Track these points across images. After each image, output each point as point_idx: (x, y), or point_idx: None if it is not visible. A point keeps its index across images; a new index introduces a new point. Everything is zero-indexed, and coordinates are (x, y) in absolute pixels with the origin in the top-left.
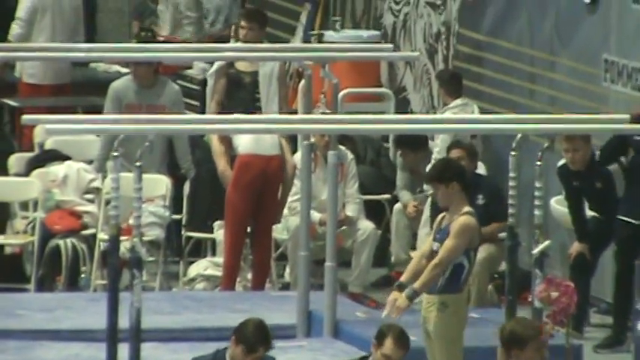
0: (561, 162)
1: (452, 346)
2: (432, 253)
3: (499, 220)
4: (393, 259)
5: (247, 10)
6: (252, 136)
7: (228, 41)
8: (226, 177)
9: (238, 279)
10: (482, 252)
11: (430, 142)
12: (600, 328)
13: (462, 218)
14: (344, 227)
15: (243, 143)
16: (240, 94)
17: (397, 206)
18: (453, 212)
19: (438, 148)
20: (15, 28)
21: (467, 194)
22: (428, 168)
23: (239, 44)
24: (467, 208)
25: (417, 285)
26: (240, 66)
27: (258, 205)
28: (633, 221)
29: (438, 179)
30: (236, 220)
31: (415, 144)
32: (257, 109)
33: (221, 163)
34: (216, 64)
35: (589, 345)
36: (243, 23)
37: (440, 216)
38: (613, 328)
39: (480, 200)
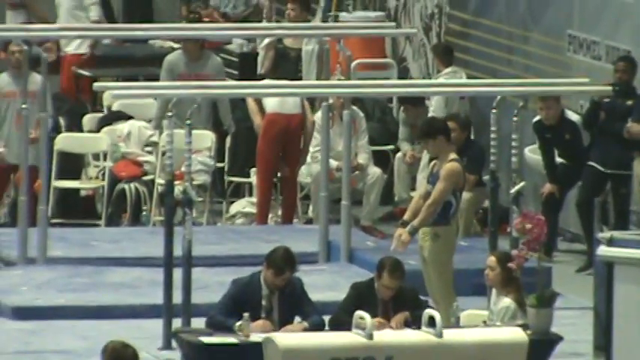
0: (536, 118)
1: (444, 269)
2: (427, 194)
3: (473, 174)
4: (396, 198)
5: None
6: (277, 98)
7: (252, 21)
8: (260, 130)
9: (270, 215)
10: (467, 195)
11: (426, 101)
12: (566, 253)
13: (449, 165)
14: (356, 172)
15: (270, 104)
16: (286, 66)
17: (398, 155)
18: (442, 160)
19: (432, 108)
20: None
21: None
22: None
23: (271, 24)
24: (452, 156)
25: (416, 222)
26: (287, 42)
27: (283, 154)
28: (600, 167)
29: (426, 134)
30: (265, 167)
31: (415, 100)
32: (299, 79)
33: (256, 119)
34: (267, 39)
35: (557, 267)
36: (289, 5)
37: (432, 163)
38: (587, 253)
39: (464, 162)
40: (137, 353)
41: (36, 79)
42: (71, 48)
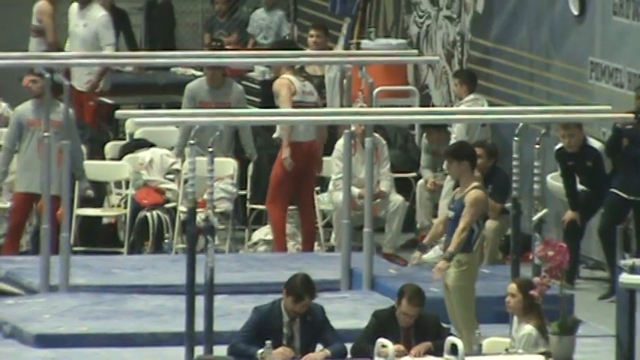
0: (558, 145)
1: (466, 296)
2: (447, 220)
3: (499, 203)
4: (418, 225)
5: (315, 23)
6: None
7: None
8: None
9: (292, 242)
10: (493, 223)
11: (449, 128)
12: (588, 281)
13: (474, 192)
14: (378, 200)
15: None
16: None
17: (420, 182)
18: (464, 186)
19: (454, 135)
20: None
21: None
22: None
23: (295, 51)
24: (475, 183)
25: (451, 248)
26: (310, 70)
27: (299, 181)
28: (623, 194)
29: (452, 155)
30: (283, 194)
31: (437, 125)
32: (323, 107)
33: (286, 152)
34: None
35: (579, 294)
36: (312, 32)
37: (454, 191)
38: (609, 280)
39: (489, 190)
40: None
41: (60, 107)
42: (77, 83)
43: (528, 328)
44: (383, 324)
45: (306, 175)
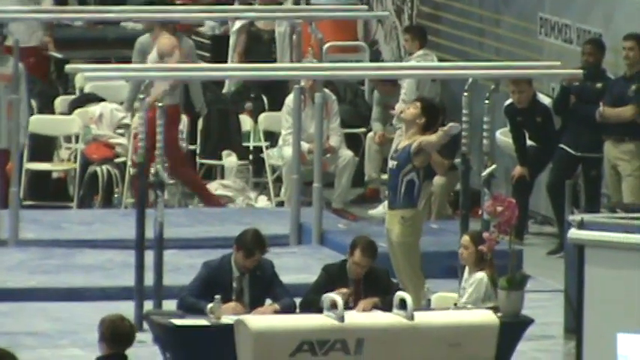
0: (508, 101)
1: (411, 252)
2: (389, 171)
3: (447, 159)
4: (366, 177)
5: None
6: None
7: (226, 4)
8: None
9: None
10: (441, 179)
11: (399, 82)
12: (537, 236)
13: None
14: (328, 155)
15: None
16: (259, 48)
17: (370, 135)
18: (410, 138)
19: (404, 90)
20: None
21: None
22: (397, 105)
23: (243, 6)
24: (421, 138)
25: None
26: (260, 24)
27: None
28: (571, 151)
29: (422, 104)
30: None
31: (387, 79)
32: (273, 62)
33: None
34: (239, 23)
35: (528, 249)
36: None
37: (398, 141)
38: (558, 235)
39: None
40: (134, 326)
41: (10, 62)
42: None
43: (480, 274)
44: (333, 278)
45: (174, 139)
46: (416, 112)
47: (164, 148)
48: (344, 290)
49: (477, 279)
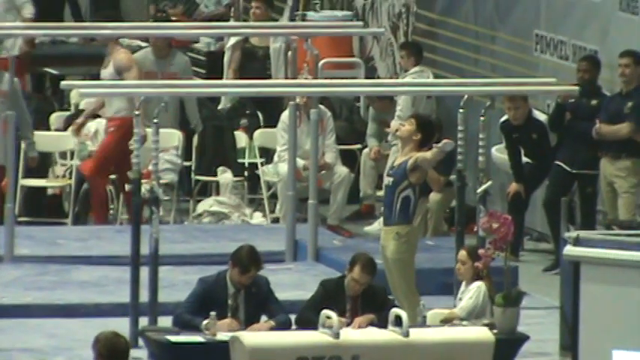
0: (503, 118)
1: (406, 269)
2: (385, 188)
3: (443, 175)
4: (361, 194)
5: None
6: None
7: (221, 20)
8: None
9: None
10: (436, 196)
11: (395, 98)
12: (533, 253)
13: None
14: (324, 171)
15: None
16: (253, 65)
17: (365, 151)
18: (406, 154)
19: (399, 107)
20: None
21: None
22: (392, 122)
23: (239, 22)
24: (417, 155)
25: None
26: (254, 41)
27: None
28: (567, 167)
29: (417, 121)
30: (108, 166)
31: (382, 96)
32: (268, 78)
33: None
34: (233, 39)
35: (523, 266)
36: (253, 4)
37: (393, 157)
38: (554, 252)
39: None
40: (128, 342)
41: (5, 77)
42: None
43: (478, 283)
44: (330, 293)
45: (126, 152)
46: (411, 128)
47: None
48: (343, 320)
49: (475, 286)
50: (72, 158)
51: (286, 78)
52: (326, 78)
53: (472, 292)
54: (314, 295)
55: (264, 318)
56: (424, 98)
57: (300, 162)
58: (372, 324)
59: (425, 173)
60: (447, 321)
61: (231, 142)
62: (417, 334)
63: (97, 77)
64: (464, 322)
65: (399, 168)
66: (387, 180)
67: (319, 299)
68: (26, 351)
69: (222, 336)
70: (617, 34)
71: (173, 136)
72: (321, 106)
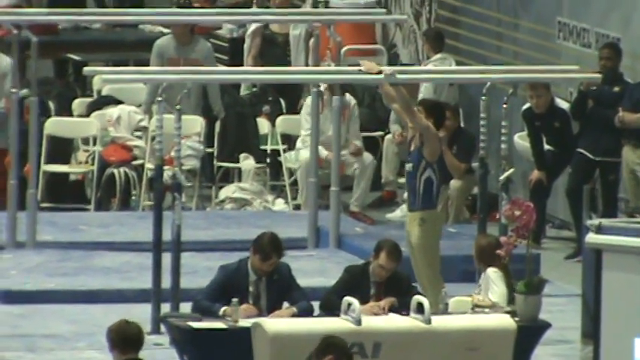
0: (526, 106)
1: (430, 254)
2: (406, 175)
3: (464, 162)
4: (382, 179)
5: None
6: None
7: (244, 7)
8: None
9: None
10: (457, 183)
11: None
12: (555, 240)
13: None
14: (347, 157)
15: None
16: (274, 51)
17: (388, 136)
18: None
19: (422, 94)
20: None
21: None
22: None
23: (261, 9)
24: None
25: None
26: (274, 27)
27: None
28: (589, 155)
29: (425, 107)
30: None
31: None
32: (288, 64)
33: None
34: (254, 26)
35: (545, 253)
36: None
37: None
38: (576, 240)
39: (454, 150)
40: (141, 328)
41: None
42: None
43: (493, 269)
44: (355, 279)
45: None
46: (422, 116)
47: None
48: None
49: (492, 273)
50: (94, 144)
51: (306, 65)
52: (348, 65)
53: (496, 280)
54: (339, 280)
55: (285, 305)
56: (446, 86)
57: (324, 152)
58: (392, 306)
59: (436, 144)
60: (479, 307)
61: (253, 129)
62: (439, 322)
63: (119, 63)
64: (486, 310)
65: (415, 151)
66: (408, 166)
67: (344, 284)
68: (48, 337)
69: (245, 322)
70: None
71: (195, 123)
72: (347, 95)
